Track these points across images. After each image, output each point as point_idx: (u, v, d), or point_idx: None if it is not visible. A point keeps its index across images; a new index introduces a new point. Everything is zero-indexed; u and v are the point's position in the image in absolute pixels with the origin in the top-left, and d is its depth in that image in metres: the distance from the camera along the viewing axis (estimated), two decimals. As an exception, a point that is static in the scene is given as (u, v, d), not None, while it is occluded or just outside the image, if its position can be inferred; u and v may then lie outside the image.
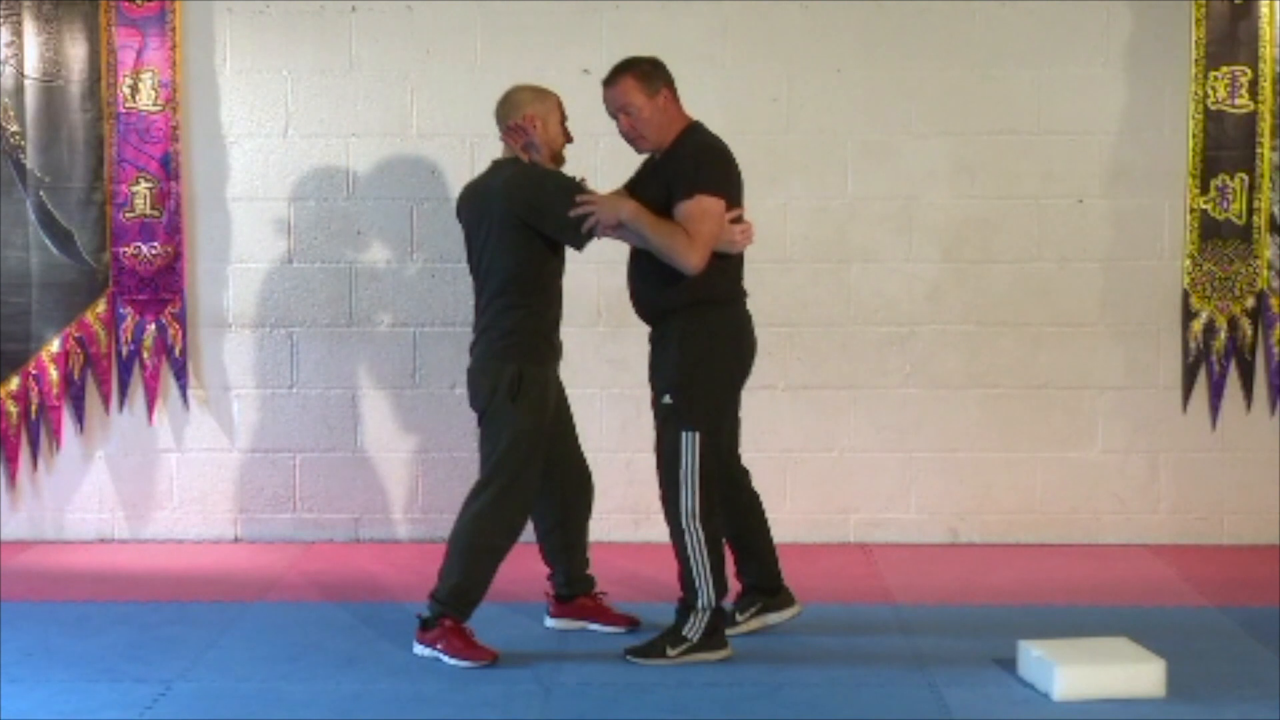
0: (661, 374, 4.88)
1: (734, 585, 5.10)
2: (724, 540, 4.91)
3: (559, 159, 4.99)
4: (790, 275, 6.37)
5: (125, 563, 6.21)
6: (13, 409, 6.43)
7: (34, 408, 6.43)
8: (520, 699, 4.55)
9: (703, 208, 4.70)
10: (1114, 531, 6.42)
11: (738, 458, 5.12)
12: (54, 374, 6.40)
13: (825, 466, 6.43)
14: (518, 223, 4.81)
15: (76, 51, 6.29)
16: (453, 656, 4.80)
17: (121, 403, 6.47)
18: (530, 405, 4.84)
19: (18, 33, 6.28)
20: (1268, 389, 6.34)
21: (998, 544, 6.40)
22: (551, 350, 4.97)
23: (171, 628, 5.24)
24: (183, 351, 6.42)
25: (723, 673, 4.77)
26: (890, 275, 6.37)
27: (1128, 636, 4.76)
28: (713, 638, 4.84)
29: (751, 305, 6.26)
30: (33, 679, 4.70)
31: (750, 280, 6.28)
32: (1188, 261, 6.32)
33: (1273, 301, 6.30)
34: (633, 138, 4.89)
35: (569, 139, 5.00)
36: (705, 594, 4.81)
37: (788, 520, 6.41)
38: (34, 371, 6.40)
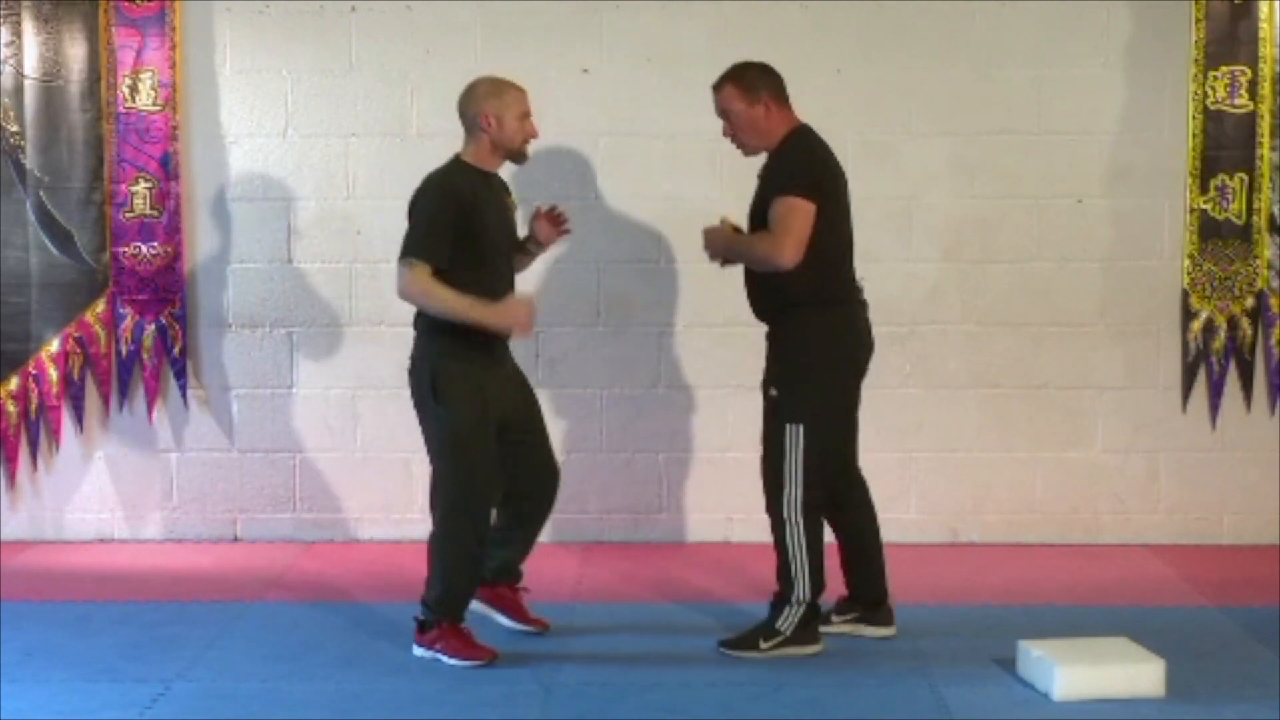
0: (771, 369, 4.93)
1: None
2: (823, 539, 4.91)
3: (518, 156, 4.94)
4: (790, 275, 6.37)
5: (125, 562, 6.21)
6: (12, 409, 6.43)
7: (33, 408, 6.43)
8: (520, 699, 4.54)
9: (789, 206, 4.77)
10: (1114, 531, 6.42)
11: (855, 463, 5.15)
12: (54, 374, 6.40)
13: (825, 466, 6.43)
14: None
15: (76, 51, 6.29)
16: (452, 656, 4.80)
17: (121, 403, 6.47)
18: (457, 401, 4.77)
19: (17, 32, 6.27)
20: (1267, 389, 6.34)
21: (998, 544, 6.40)
22: (476, 345, 4.80)
23: (171, 627, 5.23)
24: (182, 351, 6.42)
25: (722, 673, 4.77)
26: (890, 275, 6.37)
27: (1127, 636, 4.76)
28: (806, 631, 4.86)
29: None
30: (32, 679, 4.70)
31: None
32: (1187, 261, 6.32)
33: (1272, 301, 6.30)
34: (735, 142, 5.00)
35: (531, 135, 4.91)
36: (801, 587, 4.83)
37: (787, 520, 6.42)
38: (34, 371, 6.40)
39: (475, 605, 5.04)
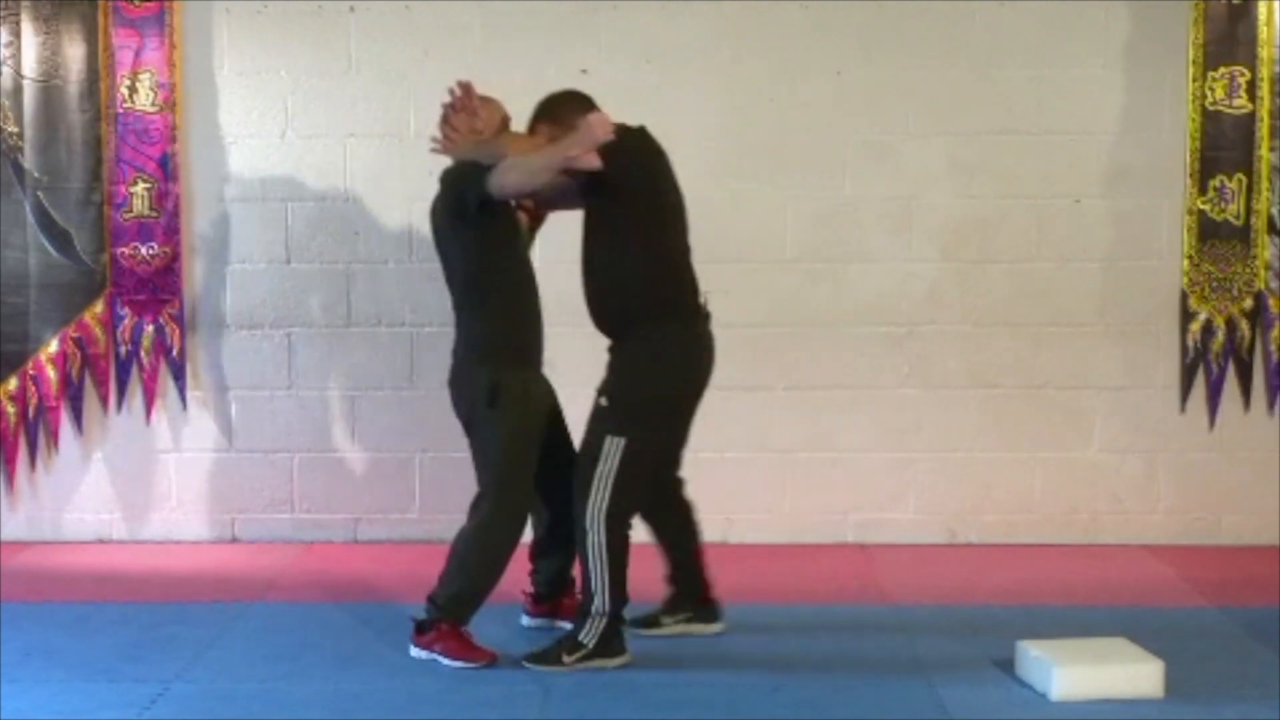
0: (607, 378, 4.88)
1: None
2: (628, 551, 4.85)
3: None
4: (789, 275, 6.37)
5: (124, 563, 6.21)
6: (11, 410, 6.43)
7: (32, 408, 6.43)
8: (519, 700, 4.55)
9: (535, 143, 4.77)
10: (1112, 531, 6.42)
11: (677, 469, 5.13)
12: (52, 375, 6.40)
13: (823, 467, 6.43)
14: (456, 222, 4.82)
15: (75, 52, 6.28)
16: (452, 658, 4.80)
17: (120, 403, 6.46)
18: (512, 410, 4.82)
19: (16, 33, 6.27)
20: (1266, 389, 6.34)
21: (996, 544, 6.39)
22: (526, 351, 4.94)
23: (170, 628, 5.23)
24: (181, 352, 6.42)
25: (722, 673, 4.77)
26: (889, 275, 6.37)
27: (1126, 637, 4.76)
28: (610, 644, 4.80)
29: (749, 305, 6.31)
30: (31, 679, 4.70)
31: (749, 280, 6.34)
32: (1186, 262, 6.32)
33: (1271, 302, 6.30)
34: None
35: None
36: (601, 599, 4.78)
37: (786, 521, 6.42)
38: (32, 372, 6.40)
39: (542, 622, 5.13)
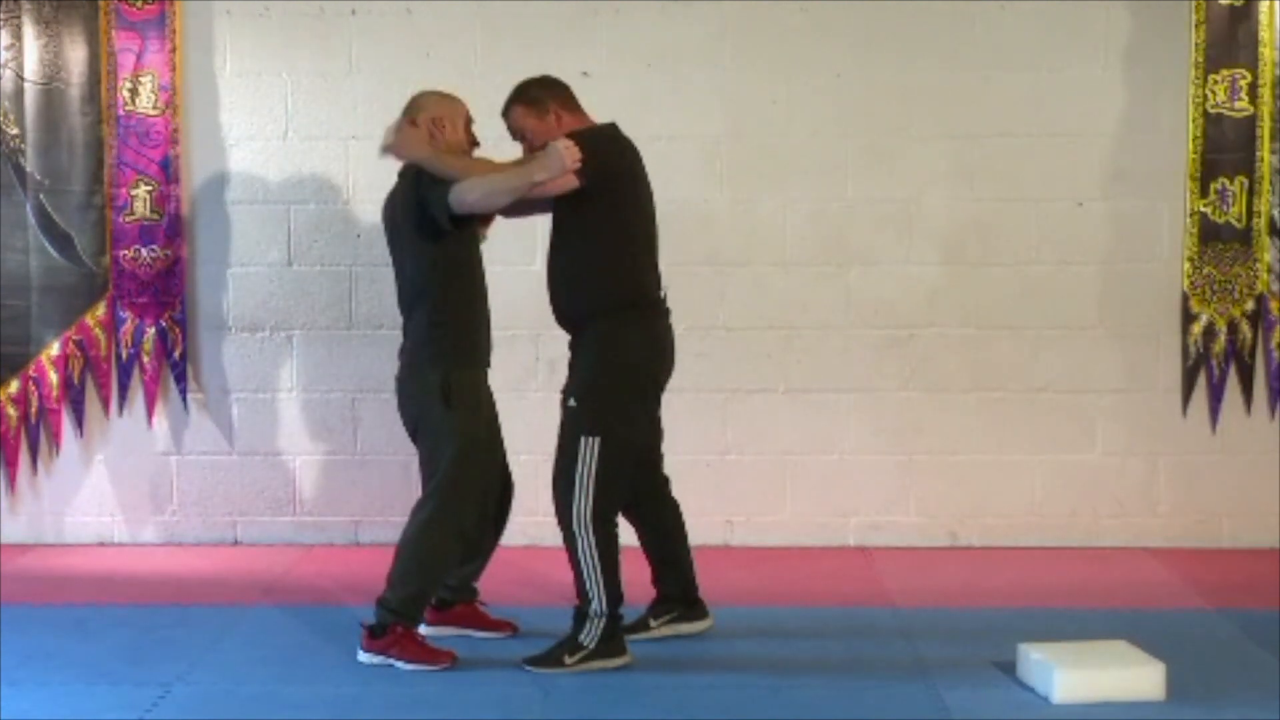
0: (570, 379, 4.87)
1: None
2: (619, 549, 4.85)
3: None
4: (789, 278, 6.37)
5: (125, 566, 6.21)
6: (12, 412, 6.43)
7: (33, 411, 6.43)
8: (519, 702, 4.54)
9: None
10: (1113, 534, 6.41)
11: (659, 466, 5.13)
12: (53, 377, 6.40)
13: (824, 469, 6.43)
14: (415, 224, 4.80)
15: (76, 54, 6.29)
16: (409, 662, 4.78)
17: (121, 406, 6.47)
18: (468, 407, 4.81)
19: (17, 36, 6.28)
20: (1267, 392, 6.34)
21: (997, 547, 6.39)
22: (478, 353, 4.92)
23: (171, 630, 5.23)
24: (182, 355, 6.43)
25: (722, 675, 4.77)
26: (889, 278, 6.37)
27: (1127, 640, 4.76)
28: (610, 644, 4.80)
29: (750, 307, 6.32)
30: (32, 682, 4.70)
31: (749, 283, 6.34)
32: (1187, 264, 6.32)
33: (1272, 304, 6.30)
34: None
35: (475, 144, 4.97)
36: (598, 600, 4.77)
37: (787, 523, 6.42)
38: (33, 375, 6.41)
39: (444, 631, 5.07)
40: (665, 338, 4.93)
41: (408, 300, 4.92)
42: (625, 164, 4.86)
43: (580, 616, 4.82)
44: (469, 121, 4.98)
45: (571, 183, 4.69)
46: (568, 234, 4.85)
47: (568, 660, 4.77)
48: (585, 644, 4.78)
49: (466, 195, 4.69)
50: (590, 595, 4.79)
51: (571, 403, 4.82)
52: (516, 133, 4.95)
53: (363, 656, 4.85)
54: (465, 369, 4.85)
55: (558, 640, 4.87)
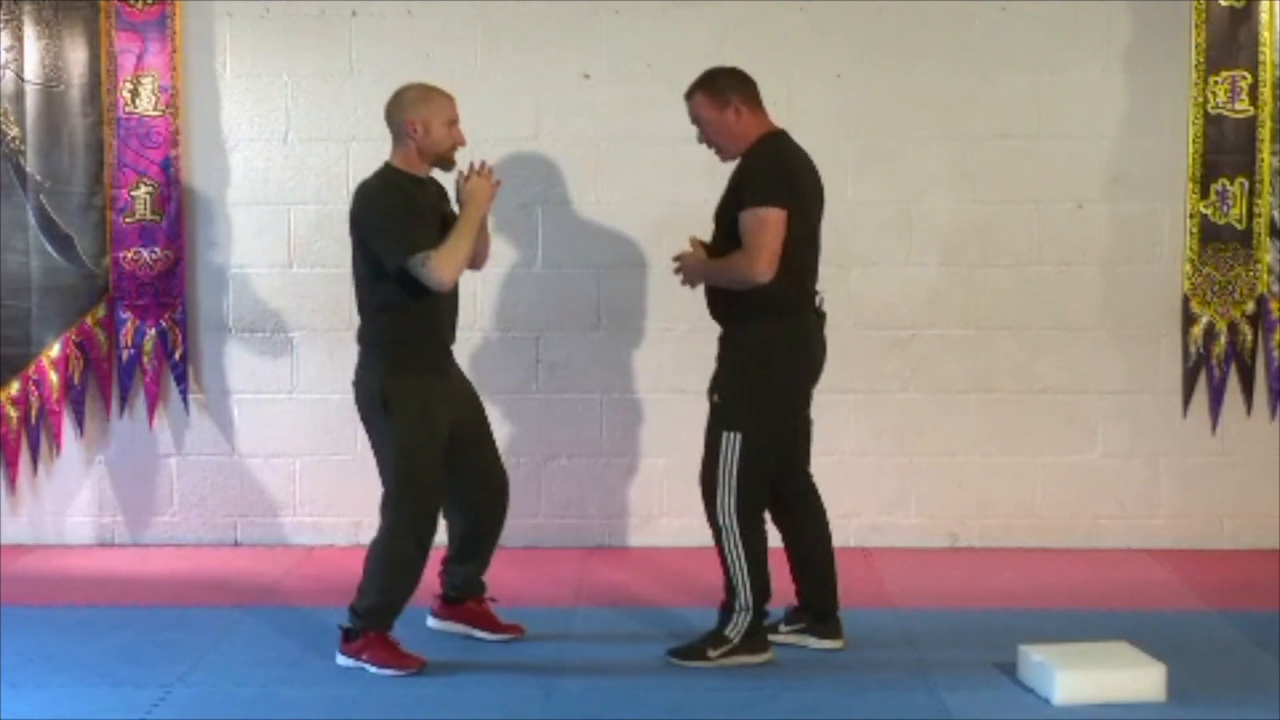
0: (718, 374, 4.91)
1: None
2: (766, 546, 4.87)
3: (445, 162, 4.89)
4: (790, 280, 6.36)
5: (125, 567, 6.21)
6: (13, 413, 6.43)
7: (34, 412, 6.43)
8: (520, 703, 4.55)
9: (759, 220, 4.72)
10: (1114, 536, 6.41)
11: (806, 472, 5.11)
12: (54, 378, 6.40)
13: (825, 471, 6.36)
14: (358, 231, 4.80)
15: (77, 56, 6.29)
16: (380, 666, 4.77)
17: (122, 407, 6.47)
18: (406, 415, 4.75)
19: (18, 37, 6.28)
20: (1268, 393, 6.34)
21: (998, 548, 6.39)
22: (423, 358, 4.83)
23: (171, 632, 5.23)
24: (183, 356, 6.43)
25: (723, 677, 4.77)
26: (890, 279, 6.37)
27: (1128, 641, 4.76)
28: (754, 640, 4.83)
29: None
30: (32, 683, 4.70)
31: (750, 284, 6.33)
32: (1188, 266, 6.32)
33: (1273, 306, 6.30)
34: (711, 148, 4.97)
35: (458, 143, 4.88)
36: (744, 595, 4.81)
37: (788, 525, 6.41)
38: (34, 376, 6.41)
39: (452, 626, 5.10)
40: (814, 339, 4.95)
41: (358, 301, 4.90)
42: (794, 179, 4.85)
43: (726, 611, 4.83)
44: (451, 121, 4.86)
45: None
46: (733, 234, 4.83)
47: (711, 654, 4.80)
48: (730, 638, 4.81)
49: (443, 275, 4.65)
50: (737, 590, 4.80)
51: (716, 398, 4.85)
52: (694, 119, 4.95)
53: (340, 659, 4.86)
54: (404, 376, 4.78)
55: (702, 634, 4.88)
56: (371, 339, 4.85)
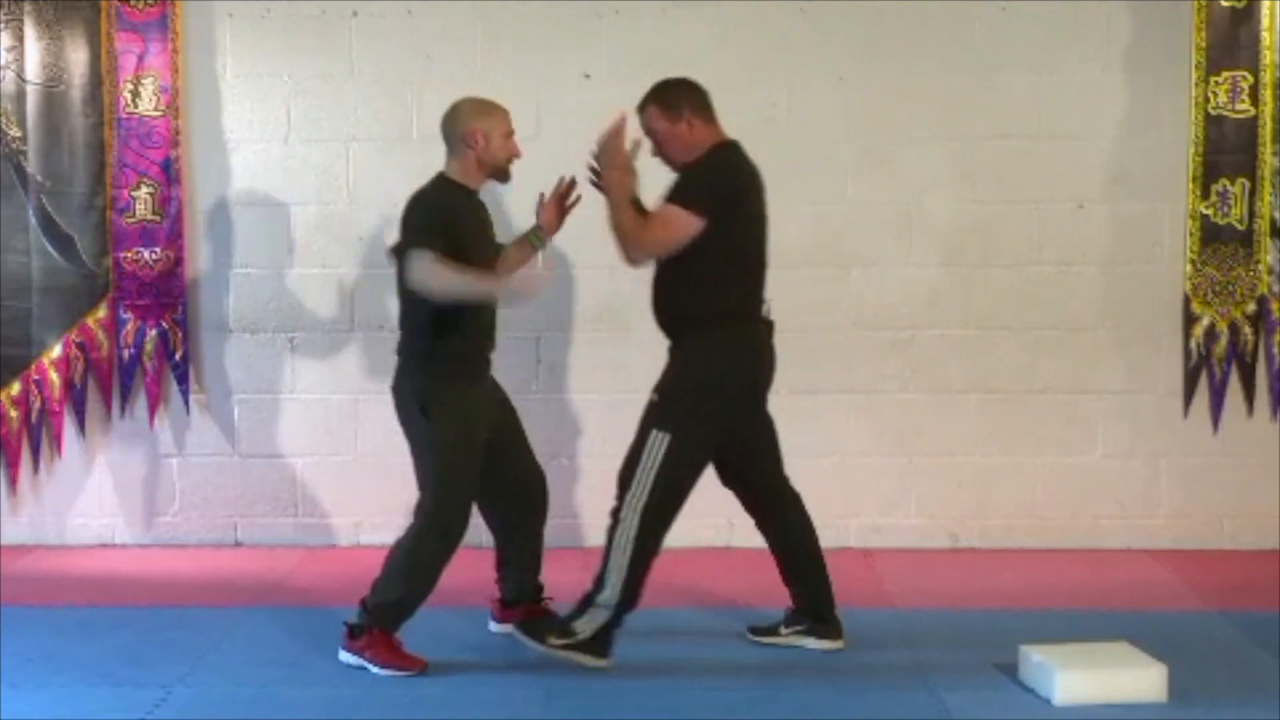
0: (662, 377, 4.88)
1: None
2: (654, 557, 4.81)
3: (503, 174, 4.94)
4: (790, 280, 6.34)
5: (126, 567, 6.22)
6: (14, 414, 6.43)
7: (35, 412, 6.43)
8: (521, 702, 4.55)
9: (667, 215, 4.76)
10: (1115, 536, 6.41)
11: (781, 476, 5.09)
12: (55, 379, 6.41)
13: (825, 471, 6.43)
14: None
15: (78, 56, 6.29)
16: (381, 666, 4.78)
17: (123, 408, 6.47)
18: (447, 421, 4.78)
19: (19, 37, 6.28)
20: (1269, 394, 6.34)
21: (998, 549, 6.40)
22: (466, 365, 4.88)
23: (172, 632, 5.24)
24: (184, 356, 6.43)
25: (724, 677, 4.77)
26: (890, 280, 6.37)
27: (1128, 641, 4.76)
28: (598, 642, 4.76)
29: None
30: (33, 684, 4.70)
31: (751, 285, 6.33)
32: (1188, 266, 6.32)
33: (1274, 306, 6.30)
34: (662, 159, 4.96)
35: (515, 154, 4.94)
36: (610, 589, 4.74)
37: (788, 525, 6.41)
38: (35, 376, 6.41)
39: (509, 629, 5.03)
40: (760, 350, 4.91)
41: (401, 310, 4.92)
42: (741, 189, 4.83)
43: (585, 601, 4.79)
44: (509, 133, 4.91)
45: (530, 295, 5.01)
46: (688, 247, 4.81)
47: (553, 641, 4.76)
48: (577, 631, 4.75)
49: (428, 280, 4.67)
50: (605, 583, 4.75)
51: (654, 396, 4.83)
52: (647, 132, 4.95)
53: (343, 656, 4.86)
54: (445, 383, 4.82)
55: (556, 618, 4.85)
56: (413, 347, 4.86)
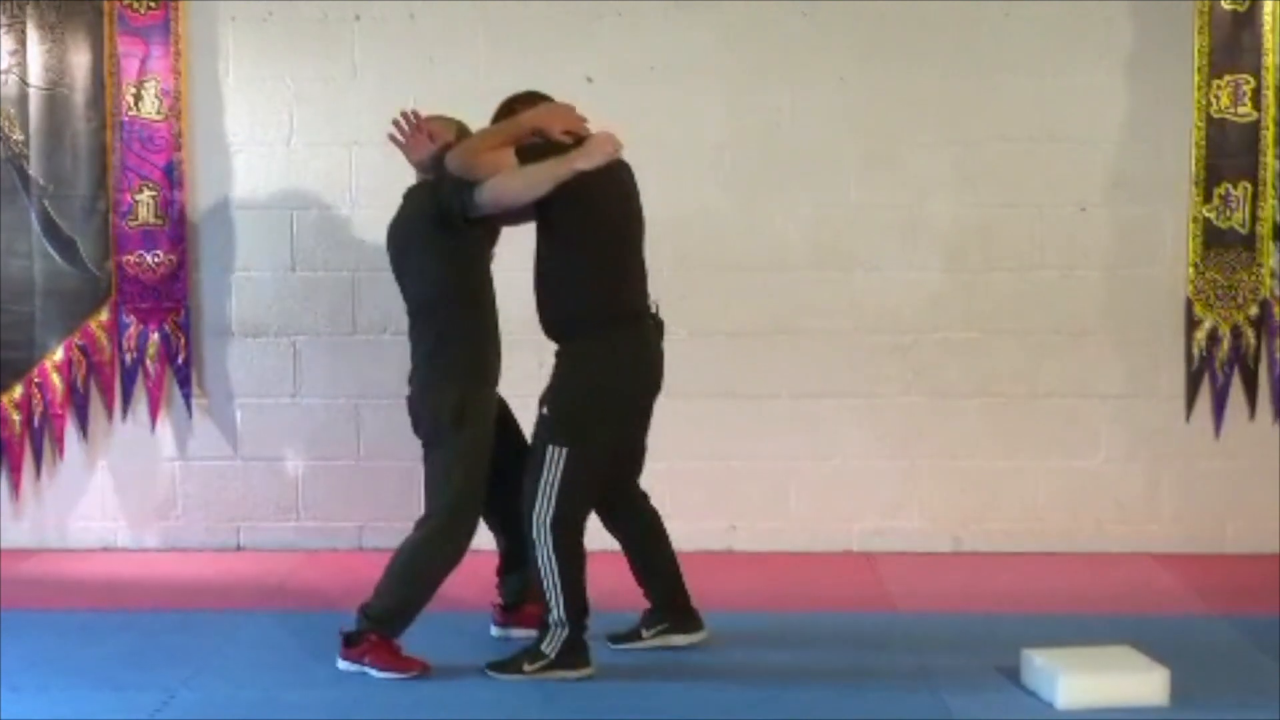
0: (548, 387, 4.83)
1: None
2: (582, 563, 4.80)
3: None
4: (792, 283, 6.37)
5: (128, 571, 6.22)
6: (16, 417, 6.43)
7: (37, 416, 6.43)
8: (520, 704, 4.55)
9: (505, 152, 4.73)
10: (1117, 540, 6.41)
11: (634, 478, 5.08)
12: (57, 382, 6.41)
13: (827, 475, 6.43)
14: (431, 235, 4.80)
15: (80, 60, 6.30)
16: (383, 670, 4.77)
17: (125, 411, 6.47)
18: (474, 429, 4.80)
19: (21, 41, 6.29)
20: (1271, 398, 6.34)
21: (1000, 552, 6.39)
22: (488, 370, 4.91)
23: (174, 636, 5.24)
24: (186, 360, 6.43)
25: (724, 681, 4.77)
26: (892, 283, 6.37)
27: (1130, 645, 4.76)
28: (571, 655, 4.76)
29: (754, 313, 6.32)
30: (35, 687, 4.70)
31: (752, 288, 6.34)
32: (1191, 270, 6.32)
33: (1276, 310, 6.30)
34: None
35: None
36: (558, 609, 4.74)
37: (790, 529, 6.41)
38: (37, 380, 6.41)
39: (514, 632, 5.09)
40: (646, 355, 4.87)
41: (422, 317, 4.89)
42: (583, 180, 4.73)
43: (543, 626, 4.78)
44: (463, 134, 4.94)
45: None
46: (543, 248, 4.84)
47: (527, 667, 4.75)
48: (546, 653, 4.75)
49: (507, 185, 4.66)
50: (550, 604, 4.74)
51: (544, 411, 4.79)
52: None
53: (341, 664, 4.85)
54: (480, 387, 4.87)
55: (522, 647, 4.85)
56: (447, 353, 4.84)
